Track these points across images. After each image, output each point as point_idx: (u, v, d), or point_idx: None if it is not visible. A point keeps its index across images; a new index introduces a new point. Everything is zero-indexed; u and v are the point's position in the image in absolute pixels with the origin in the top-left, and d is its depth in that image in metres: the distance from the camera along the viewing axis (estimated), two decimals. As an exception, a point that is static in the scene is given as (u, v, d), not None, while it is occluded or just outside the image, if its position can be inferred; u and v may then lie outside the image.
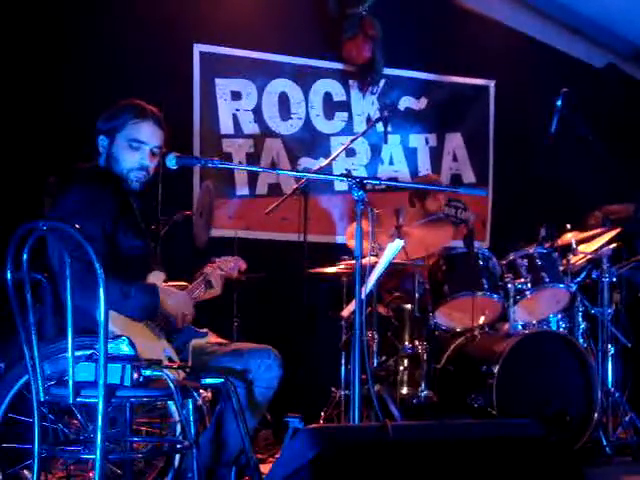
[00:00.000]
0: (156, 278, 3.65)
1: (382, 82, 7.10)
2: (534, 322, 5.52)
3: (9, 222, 3.21)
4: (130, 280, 3.43)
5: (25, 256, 2.94)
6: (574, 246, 5.47)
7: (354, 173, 6.81)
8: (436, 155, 7.37)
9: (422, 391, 5.30)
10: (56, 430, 3.20)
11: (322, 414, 5.38)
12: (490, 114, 7.54)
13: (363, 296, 3.41)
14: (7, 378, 3.45)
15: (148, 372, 3.06)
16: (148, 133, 3.71)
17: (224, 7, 6.54)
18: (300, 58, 6.87)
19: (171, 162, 3.60)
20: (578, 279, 5.50)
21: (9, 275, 2.93)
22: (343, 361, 5.36)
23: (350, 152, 6.90)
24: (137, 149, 3.69)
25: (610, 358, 5.38)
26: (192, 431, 3.21)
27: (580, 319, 5.49)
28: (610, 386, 5.33)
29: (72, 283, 2.93)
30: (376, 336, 5.30)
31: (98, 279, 2.84)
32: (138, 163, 3.68)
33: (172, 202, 5.39)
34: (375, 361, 5.33)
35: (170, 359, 3.37)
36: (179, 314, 3.57)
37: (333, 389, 5.44)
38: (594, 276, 5.45)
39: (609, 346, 5.39)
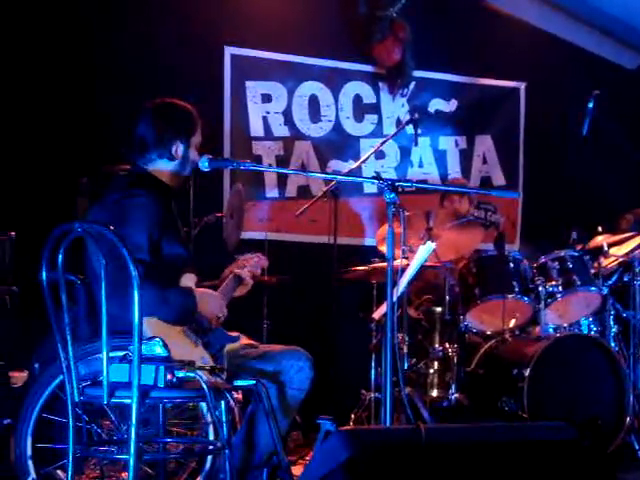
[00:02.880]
0: (188, 280, 3.67)
1: (412, 84, 7.10)
2: (565, 325, 5.49)
3: (42, 222, 3.25)
4: (168, 285, 3.45)
5: (60, 257, 2.96)
6: (605, 249, 5.43)
7: (384, 175, 6.77)
8: (466, 157, 7.35)
9: (452, 394, 5.28)
10: (90, 430, 3.22)
11: (352, 416, 5.37)
12: (520, 116, 7.51)
13: (394, 298, 3.41)
14: (42, 378, 3.48)
15: (181, 373, 3.08)
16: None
17: (255, 10, 6.56)
18: (330, 60, 6.88)
19: (204, 164, 3.63)
20: (609, 282, 5.47)
21: (44, 276, 2.95)
22: (373, 363, 5.35)
23: (380, 154, 6.88)
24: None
25: (642, 362, 5.35)
26: (224, 432, 3.22)
27: (611, 322, 5.45)
28: (642, 390, 5.30)
29: (108, 286, 2.95)
30: (406, 338, 5.29)
31: (133, 281, 2.87)
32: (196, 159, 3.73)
33: (203, 204, 5.42)
34: (405, 364, 5.33)
35: None
36: (213, 316, 3.58)
37: (363, 391, 5.43)
38: (626, 279, 5.42)
39: (641, 350, 5.36)
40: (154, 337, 3.13)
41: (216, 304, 3.61)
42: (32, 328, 3.87)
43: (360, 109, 7.01)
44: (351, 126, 6.98)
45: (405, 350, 5.30)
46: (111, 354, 2.97)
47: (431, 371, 5.43)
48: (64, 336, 3.01)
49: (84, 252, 3.44)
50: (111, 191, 3.58)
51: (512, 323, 5.49)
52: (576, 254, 5.43)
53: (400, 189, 3.49)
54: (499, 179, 7.45)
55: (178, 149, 3.68)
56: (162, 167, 3.69)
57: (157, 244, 3.47)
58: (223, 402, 3.25)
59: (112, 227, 2.97)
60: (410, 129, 5.95)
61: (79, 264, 3.47)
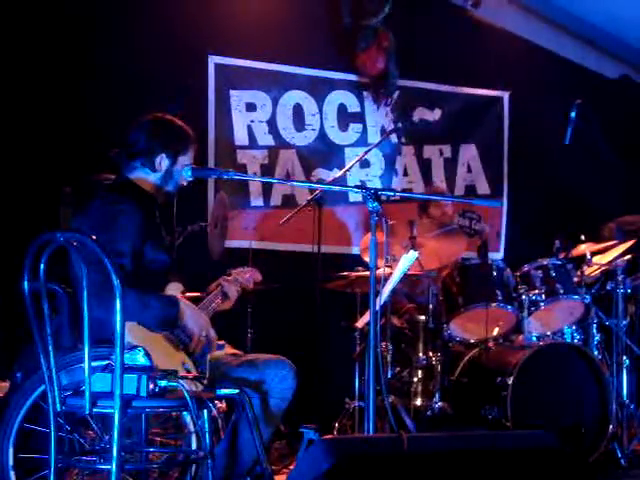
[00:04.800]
0: (174, 289, 3.67)
1: (396, 93, 7.10)
2: (548, 333, 5.51)
3: (25, 232, 3.23)
4: (149, 290, 3.45)
5: (42, 267, 2.95)
6: (588, 257, 5.46)
7: (368, 184, 6.82)
8: (450, 166, 7.36)
9: (436, 403, 5.29)
10: (72, 440, 3.20)
11: (335, 425, 5.37)
12: (504, 125, 7.53)
13: (377, 307, 3.41)
14: (24, 388, 3.46)
15: (164, 383, 3.07)
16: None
17: (239, 19, 6.56)
18: (314, 70, 6.88)
19: (187, 173, 3.64)
20: (592, 290, 5.50)
21: (26, 285, 2.94)
22: (357, 372, 5.35)
23: (364, 163, 6.89)
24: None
25: (625, 370, 5.36)
26: (207, 442, 3.22)
27: (594, 331, 5.48)
28: (625, 398, 5.31)
29: (90, 294, 2.94)
30: (390, 347, 5.30)
31: (115, 290, 2.86)
32: (181, 180, 3.74)
33: (186, 213, 5.40)
34: (389, 372, 5.33)
35: (189, 372, 3.37)
36: (195, 335, 3.55)
37: (347, 400, 5.42)
38: (608, 287, 5.43)
39: (624, 358, 5.37)
40: (136, 346, 3.13)
41: (197, 322, 3.58)
42: (14, 337, 3.86)
43: (344, 118, 7.01)
44: (336, 135, 6.99)
45: (389, 359, 5.30)
46: (93, 363, 2.97)
47: (415, 380, 5.43)
48: (46, 346, 3.00)
49: (68, 260, 3.44)
50: (93, 199, 3.60)
51: (495, 331, 5.50)
52: (559, 263, 5.46)
53: (384, 198, 3.49)
54: (484, 188, 7.46)
55: (162, 162, 3.69)
56: (144, 177, 3.71)
57: (139, 251, 3.48)
58: (206, 411, 3.24)
59: (94, 236, 2.96)
60: (394, 138, 5.96)
61: (64, 273, 3.47)
